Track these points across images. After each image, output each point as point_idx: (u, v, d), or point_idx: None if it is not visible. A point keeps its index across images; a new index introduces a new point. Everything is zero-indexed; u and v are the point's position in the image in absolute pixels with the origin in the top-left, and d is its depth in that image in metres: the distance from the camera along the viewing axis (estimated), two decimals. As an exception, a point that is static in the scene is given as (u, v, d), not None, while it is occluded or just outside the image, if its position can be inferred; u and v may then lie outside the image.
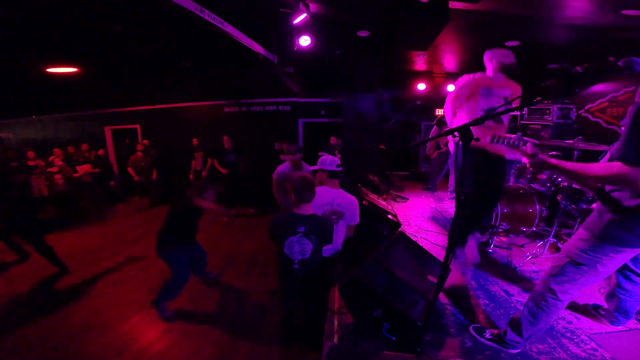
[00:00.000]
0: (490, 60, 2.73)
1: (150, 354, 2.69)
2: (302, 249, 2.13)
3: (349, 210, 2.48)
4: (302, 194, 2.10)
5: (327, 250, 2.43)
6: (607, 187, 1.57)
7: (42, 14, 3.49)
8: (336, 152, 6.00)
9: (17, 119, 8.75)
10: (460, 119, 2.76)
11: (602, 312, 2.13)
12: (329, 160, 2.58)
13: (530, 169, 1.58)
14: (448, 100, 2.88)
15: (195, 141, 7.39)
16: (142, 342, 2.83)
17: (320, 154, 4.03)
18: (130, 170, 7.42)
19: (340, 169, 2.58)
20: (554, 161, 1.57)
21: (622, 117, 4.81)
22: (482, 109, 2.62)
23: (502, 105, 2.40)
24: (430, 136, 6.32)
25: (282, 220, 2.18)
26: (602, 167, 1.41)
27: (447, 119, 2.98)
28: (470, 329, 2.03)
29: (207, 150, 7.24)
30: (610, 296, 2.05)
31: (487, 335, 1.95)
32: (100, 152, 7.94)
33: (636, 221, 1.46)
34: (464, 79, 2.78)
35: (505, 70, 2.68)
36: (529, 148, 1.61)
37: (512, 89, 2.71)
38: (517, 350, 1.84)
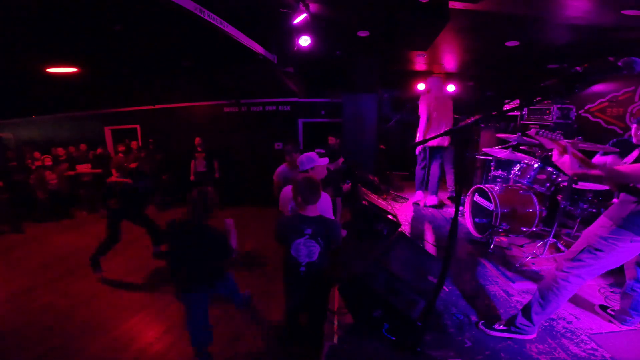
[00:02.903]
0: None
1: (150, 354, 2.69)
2: (310, 252, 2.10)
3: (318, 206, 2.46)
4: (306, 196, 2.09)
5: None
6: None
7: (42, 13, 3.49)
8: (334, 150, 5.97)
9: (17, 119, 8.75)
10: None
11: (612, 313, 2.12)
12: (305, 160, 2.70)
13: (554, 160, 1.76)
14: None
15: (197, 140, 7.14)
16: (142, 342, 2.83)
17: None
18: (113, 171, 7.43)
19: (307, 166, 2.66)
20: (583, 169, 1.64)
21: (622, 117, 4.80)
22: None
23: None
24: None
25: (288, 222, 2.16)
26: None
27: None
28: (480, 324, 2.04)
29: (210, 151, 7.18)
30: (625, 293, 2.04)
31: (497, 327, 1.96)
32: (99, 150, 7.89)
33: None
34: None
35: None
36: (567, 144, 1.73)
37: None
38: (528, 336, 1.87)
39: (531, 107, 5.29)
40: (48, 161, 6.88)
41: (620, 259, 1.72)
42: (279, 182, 3.69)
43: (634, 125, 2.99)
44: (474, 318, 2.16)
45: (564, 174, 3.01)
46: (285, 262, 2.17)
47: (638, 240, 1.63)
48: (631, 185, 1.62)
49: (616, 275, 2.46)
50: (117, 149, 7.70)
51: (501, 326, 1.96)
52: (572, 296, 2.32)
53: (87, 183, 7.20)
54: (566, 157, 1.70)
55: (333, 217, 2.54)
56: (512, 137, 3.43)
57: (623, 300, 2.07)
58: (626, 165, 1.59)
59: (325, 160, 2.91)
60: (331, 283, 2.35)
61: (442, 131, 4.46)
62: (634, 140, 2.98)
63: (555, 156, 1.79)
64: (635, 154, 1.87)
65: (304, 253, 2.11)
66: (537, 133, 1.92)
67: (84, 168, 7.24)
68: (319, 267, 2.15)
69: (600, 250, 1.69)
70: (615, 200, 1.84)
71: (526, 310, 1.87)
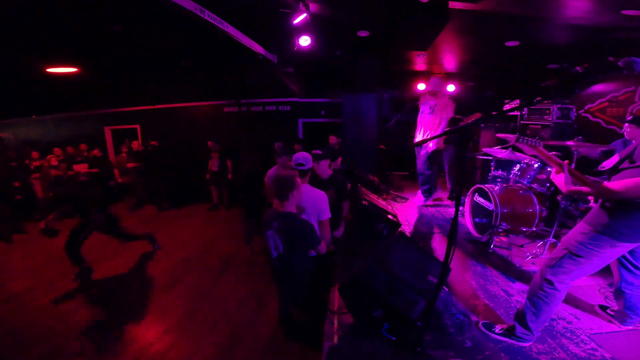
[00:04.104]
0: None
1: (150, 353, 2.69)
2: (276, 245, 2.18)
3: (311, 205, 2.45)
4: (276, 191, 2.18)
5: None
6: None
7: (42, 13, 3.49)
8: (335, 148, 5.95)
9: (17, 119, 8.76)
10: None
11: (612, 313, 2.12)
12: (294, 158, 2.75)
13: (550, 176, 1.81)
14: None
15: (210, 143, 7.19)
16: (142, 342, 2.83)
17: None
18: (115, 171, 7.44)
19: (302, 167, 2.65)
20: (580, 187, 1.66)
21: (622, 117, 4.80)
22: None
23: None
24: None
25: (267, 215, 2.27)
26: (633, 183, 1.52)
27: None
28: (480, 325, 2.04)
29: (223, 151, 7.17)
30: (617, 294, 2.04)
31: (497, 330, 1.96)
32: (96, 151, 7.88)
33: (637, 218, 1.57)
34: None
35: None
36: (565, 163, 1.74)
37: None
38: (528, 343, 1.87)
39: (531, 107, 5.30)
40: (54, 161, 6.89)
41: (603, 263, 1.73)
42: (270, 185, 3.69)
43: (626, 124, 3.06)
44: (474, 318, 2.16)
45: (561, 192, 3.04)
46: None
47: (619, 245, 1.63)
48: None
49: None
50: (121, 150, 7.75)
51: (502, 331, 1.95)
52: (572, 296, 2.33)
53: (84, 183, 7.21)
54: (561, 175, 1.72)
55: (328, 216, 2.54)
56: (512, 137, 3.43)
57: (617, 300, 2.08)
58: (616, 182, 1.59)
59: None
60: (328, 282, 2.36)
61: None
62: (626, 136, 3.06)
63: (553, 174, 1.83)
64: (614, 159, 1.88)
65: (272, 246, 2.19)
66: (516, 140, 1.92)
67: (80, 167, 7.24)
68: (293, 263, 2.20)
69: (581, 257, 1.69)
70: (593, 205, 1.84)
71: (521, 319, 1.86)
